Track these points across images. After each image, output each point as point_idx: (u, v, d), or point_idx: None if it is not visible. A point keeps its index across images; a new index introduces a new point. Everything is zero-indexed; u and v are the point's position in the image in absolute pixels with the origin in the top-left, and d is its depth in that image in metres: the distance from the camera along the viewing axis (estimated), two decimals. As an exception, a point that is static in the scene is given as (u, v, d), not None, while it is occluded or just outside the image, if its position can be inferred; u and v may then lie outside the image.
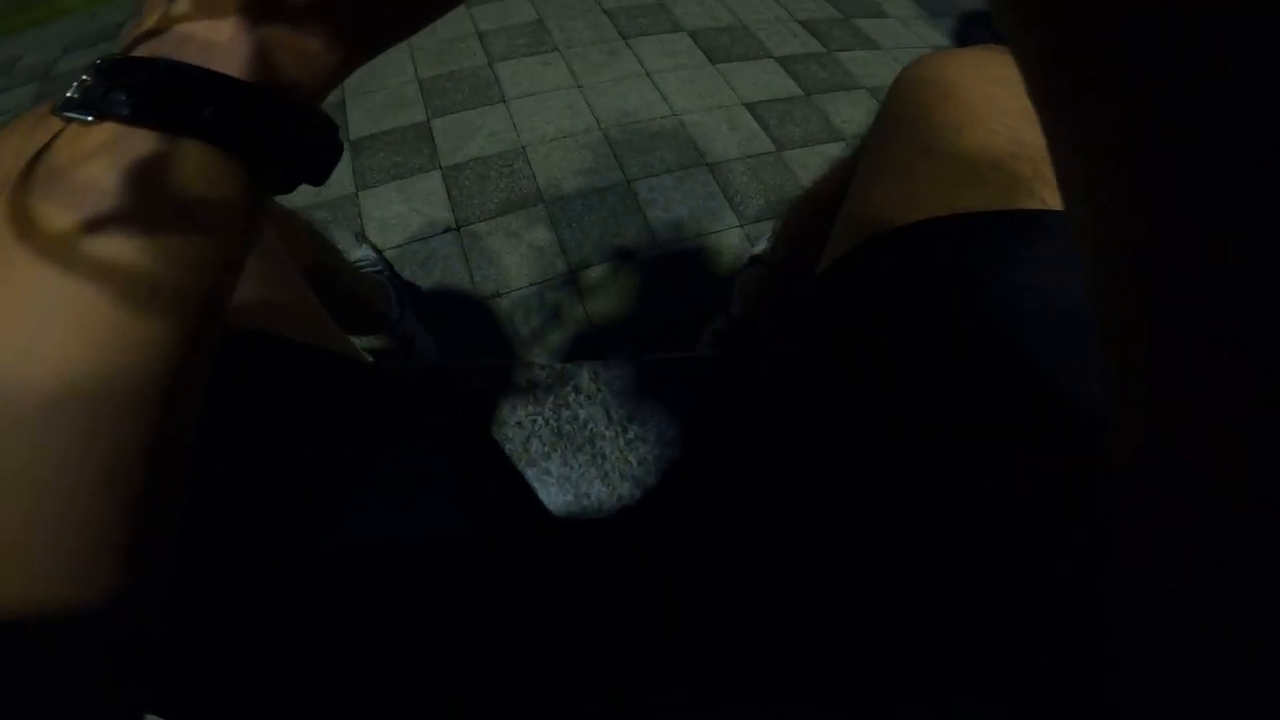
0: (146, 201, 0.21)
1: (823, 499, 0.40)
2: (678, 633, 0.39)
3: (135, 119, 0.21)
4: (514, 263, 1.20)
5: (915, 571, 0.36)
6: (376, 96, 1.54)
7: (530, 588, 0.43)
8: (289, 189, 0.25)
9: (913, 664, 0.34)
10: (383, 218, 1.27)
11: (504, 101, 1.52)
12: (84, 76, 0.22)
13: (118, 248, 0.20)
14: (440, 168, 1.36)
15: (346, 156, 1.39)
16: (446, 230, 1.25)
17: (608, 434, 0.49)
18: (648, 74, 1.61)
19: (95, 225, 0.20)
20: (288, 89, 0.23)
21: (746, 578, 0.40)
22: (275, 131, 0.23)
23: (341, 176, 1.35)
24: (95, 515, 0.21)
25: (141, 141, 0.21)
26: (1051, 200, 0.39)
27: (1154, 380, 0.15)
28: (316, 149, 0.25)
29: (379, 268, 1.09)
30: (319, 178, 0.26)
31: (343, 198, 1.31)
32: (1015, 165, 0.40)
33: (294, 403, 0.40)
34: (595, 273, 1.19)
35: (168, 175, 0.21)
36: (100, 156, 0.21)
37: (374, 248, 1.15)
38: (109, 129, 0.21)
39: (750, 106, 1.53)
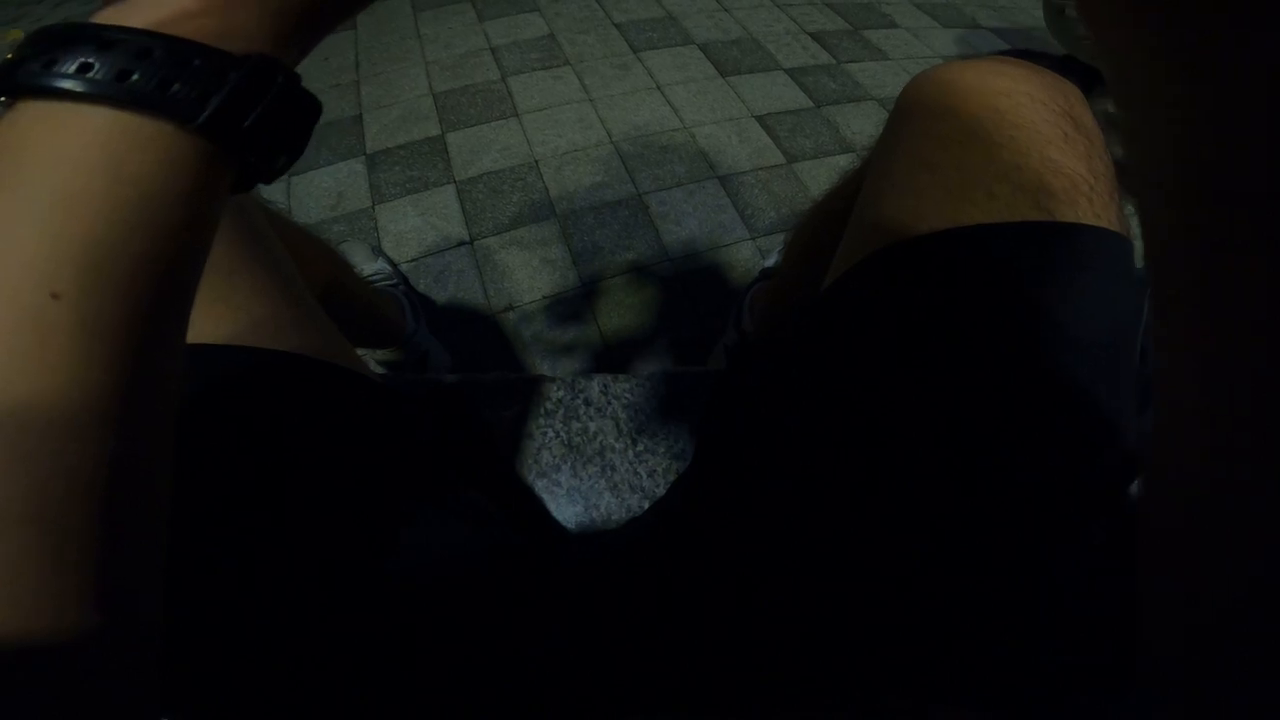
0: (69, 192, 0.18)
1: (825, 512, 0.40)
2: (678, 639, 0.40)
3: (80, 97, 0.18)
4: (526, 276, 1.21)
5: (918, 580, 0.36)
6: (392, 111, 1.56)
7: (534, 596, 0.43)
8: (271, 170, 0.22)
9: (915, 668, 0.34)
10: (398, 231, 1.29)
11: (516, 115, 1.54)
12: (16, 49, 0.19)
13: (31, 251, 0.18)
14: (454, 182, 1.38)
15: (363, 171, 1.41)
16: (460, 244, 1.26)
17: (617, 446, 0.49)
18: (658, 87, 1.62)
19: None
20: (256, 47, 0.20)
21: (750, 586, 0.40)
22: (245, 101, 0.20)
23: (358, 190, 1.37)
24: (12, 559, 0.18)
25: (78, 122, 0.19)
26: (1056, 212, 0.39)
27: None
28: (288, 114, 0.22)
29: (394, 281, 1.11)
30: (296, 146, 0.23)
31: (360, 211, 1.33)
32: (1020, 178, 0.40)
33: (302, 418, 0.41)
34: (607, 286, 1.20)
35: (112, 161, 0.19)
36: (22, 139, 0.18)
37: (390, 261, 1.17)
38: (35, 109, 0.19)
39: (760, 119, 1.54)
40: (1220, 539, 0.16)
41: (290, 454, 0.39)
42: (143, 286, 0.19)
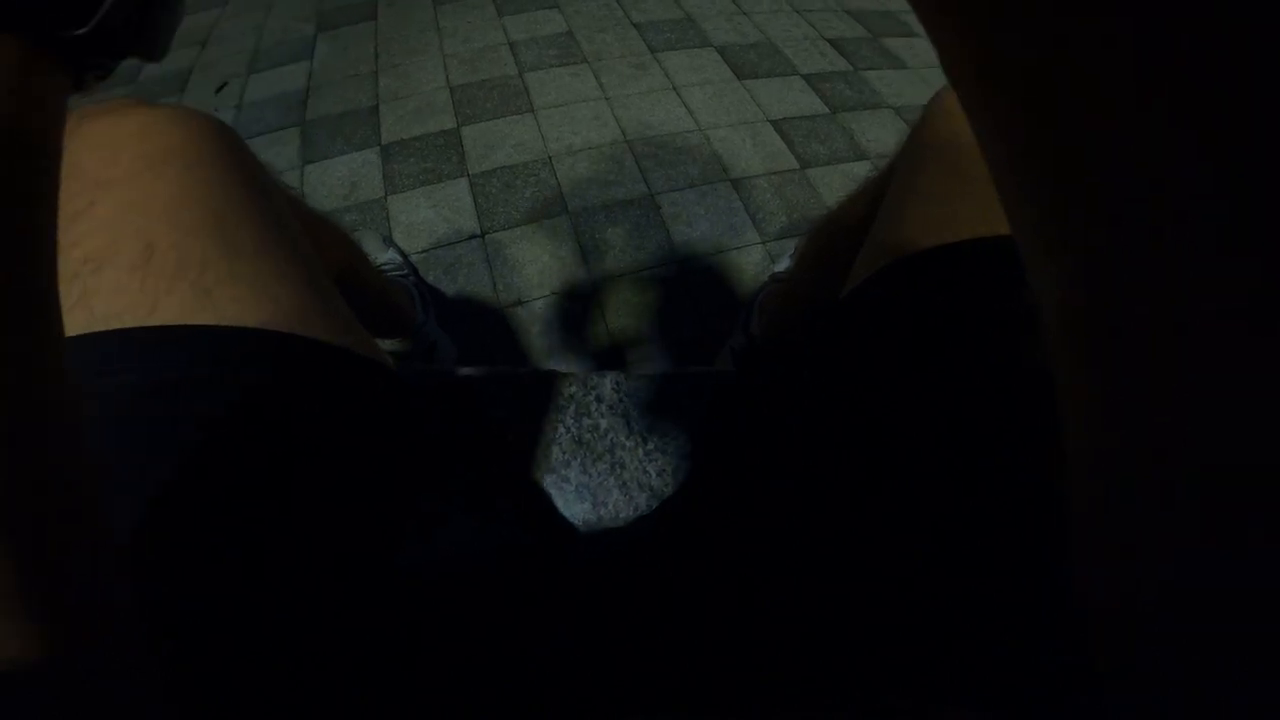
0: None
1: (826, 511, 0.40)
2: (679, 639, 0.40)
3: None
4: (536, 272, 1.21)
5: (918, 579, 0.36)
6: (409, 103, 1.56)
7: (542, 596, 0.43)
8: (102, 65, 0.18)
9: (915, 668, 0.34)
10: (410, 223, 1.29)
11: (532, 111, 1.54)
12: None
13: None
14: (468, 175, 1.38)
15: (377, 161, 1.41)
16: (472, 237, 1.26)
17: (628, 444, 0.49)
18: (674, 88, 1.62)
19: None
20: None
21: (751, 586, 0.40)
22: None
23: (372, 180, 1.37)
24: None
25: None
26: None
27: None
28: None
29: (404, 272, 1.11)
30: (147, 45, 0.18)
31: (372, 201, 1.33)
32: None
33: (315, 405, 0.41)
34: (616, 285, 1.20)
35: None
36: None
37: (400, 252, 1.17)
38: None
39: (775, 123, 1.54)
40: (1127, 547, 0.16)
41: (300, 442, 0.39)
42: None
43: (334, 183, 1.37)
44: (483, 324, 1.14)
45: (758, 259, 1.25)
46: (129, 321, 0.35)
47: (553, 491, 0.48)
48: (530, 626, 0.41)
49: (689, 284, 1.21)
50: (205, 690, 0.32)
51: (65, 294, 0.35)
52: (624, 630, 0.41)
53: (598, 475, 0.48)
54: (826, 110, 1.59)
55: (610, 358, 1.12)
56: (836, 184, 1.39)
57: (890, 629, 0.36)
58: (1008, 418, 0.37)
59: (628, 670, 0.39)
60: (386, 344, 0.99)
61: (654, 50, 1.75)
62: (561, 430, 0.50)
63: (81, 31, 0.16)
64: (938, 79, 0.50)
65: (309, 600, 0.36)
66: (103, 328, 0.35)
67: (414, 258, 1.21)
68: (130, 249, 0.37)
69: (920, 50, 1.83)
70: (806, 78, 1.69)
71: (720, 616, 0.40)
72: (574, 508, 0.47)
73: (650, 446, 0.49)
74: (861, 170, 1.43)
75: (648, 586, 0.44)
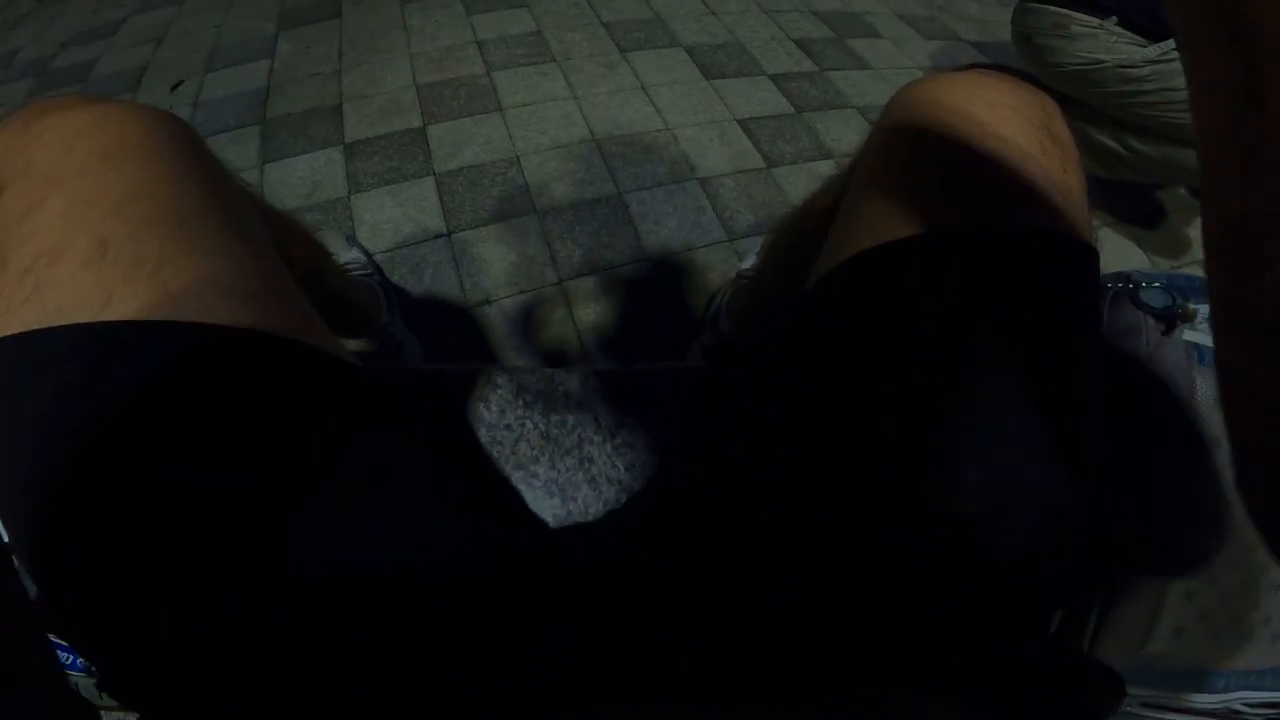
0: None
1: (805, 500, 0.40)
2: (679, 639, 0.40)
3: None
4: (504, 271, 1.21)
5: (895, 568, 0.36)
6: (374, 101, 1.54)
7: (542, 596, 0.43)
8: None
9: (897, 663, 0.35)
10: (375, 222, 1.27)
11: (500, 110, 1.53)
12: None
13: None
14: (434, 174, 1.37)
15: (341, 160, 1.39)
16: (438, 236, 1.25)
17: (596, 439, 0.49)
18: (643, 88, 1.63)
19: None
20: None
21: (745, 582, 0.41)
22: None
23: (335, 179, 1.35)
24: None
25: None
26: (1031, 220, 0.40)
27: None
28: None
29: (369, 271, 1.09)
30: None
31: (335, 200, 1.31)
32: (999, 186, 0.41)
33: (283, 400, 0.40)
34: (585, 283, 1.20)
35: None
36: None
37: (365, 251, 1.15)
38: None
39: (742, 123, 1.55)
40: None
41: (292, 441, 0.38)
42: None
43: (295, 182, 1.35)
44: (450, 323, 1.13)
45: (725, 257, 1.26)
46: (84, 316, 0.34)
47: (521, 487, 0.48)
48: (530, 626, 0.41)
49: (657, 282, 1.21)
50: (205, 690, 0.32)
51: (19, 288, 0.34)
52: (624, 630, 0.41)
53: (566, 470, 0.48)
54: (792, 110, 1.61)
55: (579, 356, 1.12)
56: (802, 183, 1.41)
57: (888, 627, 0.36)
58: (970, 410, 0.38)
59: (628, 670, 0.39)
60: (352, 344, 0.98)
61: (623, 50, 1.75)
62: (529, 426, 0.50)
63: None
64: (900, 79, 0.52)
65: (308, 600, 0.35)
66: (56, 322, 0.34)
67: (379, 257, 1.19)
68: (84, 244, 0.36)
69: (884, 51, 1.86)
70: (773, 78, 1.71)
71: (719, 616, 0.40)
72: (543, 503, 0.47)
73: (618, 441, 0.50)
74: (826, 169, 1.45)
75: (647, 586, 0.44)
